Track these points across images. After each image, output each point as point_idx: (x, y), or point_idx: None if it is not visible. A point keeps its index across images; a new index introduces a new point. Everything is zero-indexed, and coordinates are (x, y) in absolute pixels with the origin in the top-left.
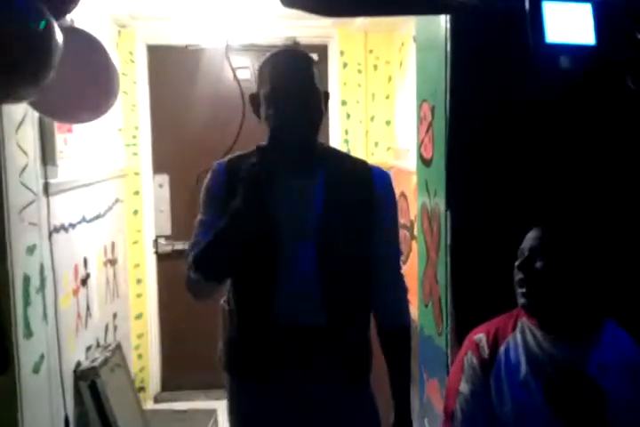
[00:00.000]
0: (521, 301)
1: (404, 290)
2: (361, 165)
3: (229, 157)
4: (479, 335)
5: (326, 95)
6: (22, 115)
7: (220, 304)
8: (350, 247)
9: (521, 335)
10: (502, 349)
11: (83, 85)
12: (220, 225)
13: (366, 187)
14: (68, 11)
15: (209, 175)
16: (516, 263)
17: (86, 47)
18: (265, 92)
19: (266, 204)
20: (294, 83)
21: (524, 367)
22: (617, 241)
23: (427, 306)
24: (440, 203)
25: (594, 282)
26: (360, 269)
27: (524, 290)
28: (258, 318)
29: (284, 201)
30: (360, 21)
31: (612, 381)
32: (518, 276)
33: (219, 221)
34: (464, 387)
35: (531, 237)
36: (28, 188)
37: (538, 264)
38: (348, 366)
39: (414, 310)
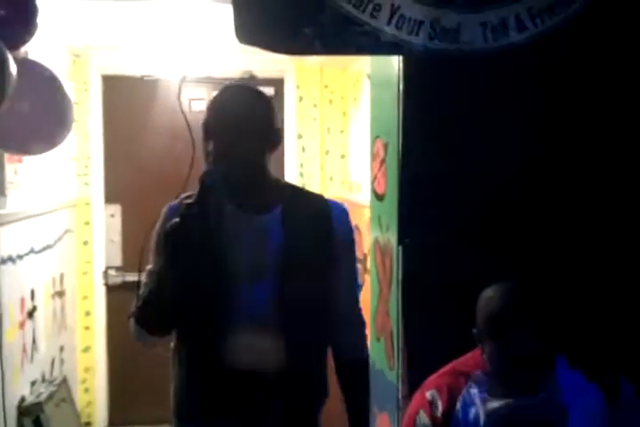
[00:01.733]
0: (492, 367)
1: (361, 324)
2: (318, 199)
3: (182, 196)
4: (431, 392)
5: (278, 131)
6: None
7: (170, 348)
8: (309, 286)
9: (478, 388)
10: (459, 405)
11: (36, 117)
12: (149, 287)
13: (324, 222)
14: (23, 42)
15: (159, 219)
16: (492, 331)
17: (40, 79)
18: (204, 126)
19: (200, 256)
20: (230, 118)
21: (483, 421)
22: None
23: (379, 340)
24: (392, 238)
25: (555, 336)
26: (319, 308)
27: (493, 358)
28: (205, 364)
29: (236, 240)
30: (315, 57)
31: (573, 422)
32: (488, 344)
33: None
34: None
35: (496, 304)
36: None
37: (511, 334)
38: (300, 408)
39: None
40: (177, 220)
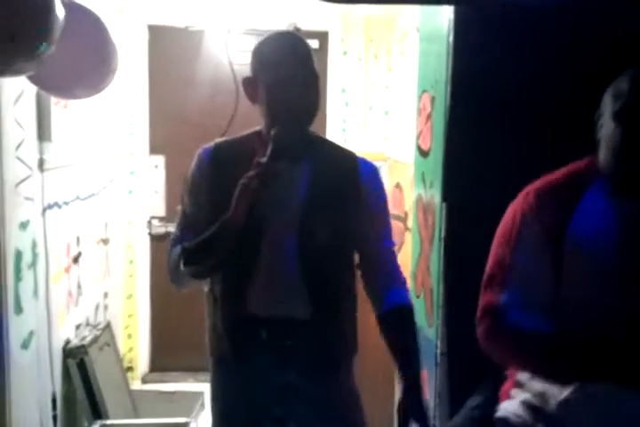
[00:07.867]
0: (608, 159)
1: (402, 278)
2: (348, 155)
3: (217, 141)
4: (543, 198)
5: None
6: (21, 89)
7: (205, 291)
8: (333, 239)
9: (597, 195)
10: (575, 214)
11: (81, 61)
12: (211, 232)
13: (351, 176)
14: None
15: (193, 162)
16: (615, 109)
17: (87, 23)
18: (267, 77)
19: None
20: (300, 68)
21: (603, 228)
22: None
23: (418, 297)
24: (436, 195)
25: None
26: (344, 260)
27: (618, 143)
28: (238, 308)
29: (272, 192)
30: (362, 9)
31: None
32: (612, 127)
33: (201, 214)
34: (519, 259)
35: (629, 81)
36: (24, 163)
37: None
38: (328, 356)
39: None
40: (256, 180)
